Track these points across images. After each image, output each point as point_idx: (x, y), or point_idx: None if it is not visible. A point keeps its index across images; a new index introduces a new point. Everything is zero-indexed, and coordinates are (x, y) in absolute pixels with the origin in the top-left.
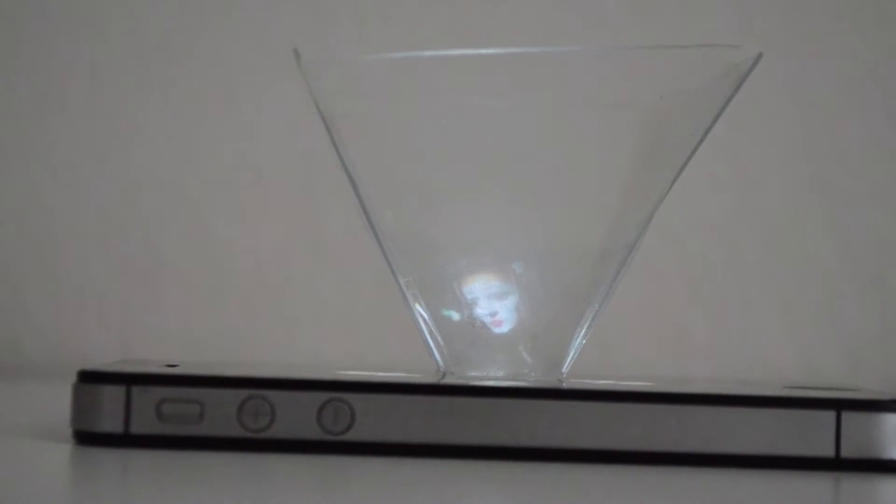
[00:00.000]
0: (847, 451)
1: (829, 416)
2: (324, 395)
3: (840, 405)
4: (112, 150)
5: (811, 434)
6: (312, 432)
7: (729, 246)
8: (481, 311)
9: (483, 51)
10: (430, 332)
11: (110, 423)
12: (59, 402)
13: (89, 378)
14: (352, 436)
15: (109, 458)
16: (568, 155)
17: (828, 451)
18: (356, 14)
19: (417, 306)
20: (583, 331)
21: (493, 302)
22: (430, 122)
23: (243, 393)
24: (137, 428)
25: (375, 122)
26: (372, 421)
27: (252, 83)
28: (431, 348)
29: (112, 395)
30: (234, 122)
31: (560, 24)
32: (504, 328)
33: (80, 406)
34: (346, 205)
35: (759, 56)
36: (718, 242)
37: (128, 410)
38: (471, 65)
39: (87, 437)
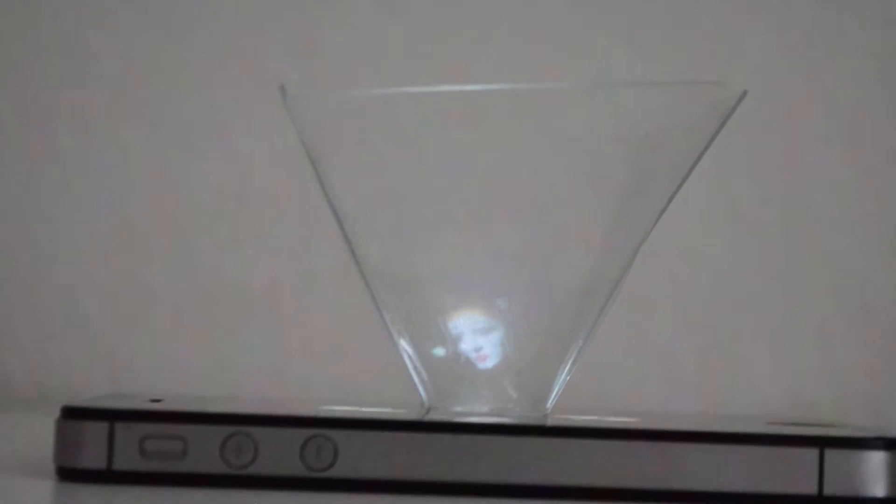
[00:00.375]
0: (830, 489)
1: (812, 454)
2: (307, 432)
3: (823, 443)
4: (100, 179)
5: (794, 471)
6: (295, 469)
7: (716, 277)
8: (466, 346)
9: (467, 87)
10: (415, 367)
11: (93, 459)
12: (43, 436)
13: (73, 414)
14: (335, 472)
15: (92, 495)
16: (553, 190)
17: (811, 488)
18: (345, 45)
19: (402, 341)
20: (567, 366)
21: (477, 337)
22: (416, 157)
23: (226, 429)
24: (120, 464)
25: (360, 158)
26: (355, 457)
27: (242, 112)
28: (416, 383)
29: (95, 432)
30: (224, 152)
31: (547, 59)
32: (489, 363)
33: (64, 442)
34: (335, 234)
35: (744, 94)
36: (706, 273)
37: (111, 447)
38: (455, 100)
39: (70, 474)
